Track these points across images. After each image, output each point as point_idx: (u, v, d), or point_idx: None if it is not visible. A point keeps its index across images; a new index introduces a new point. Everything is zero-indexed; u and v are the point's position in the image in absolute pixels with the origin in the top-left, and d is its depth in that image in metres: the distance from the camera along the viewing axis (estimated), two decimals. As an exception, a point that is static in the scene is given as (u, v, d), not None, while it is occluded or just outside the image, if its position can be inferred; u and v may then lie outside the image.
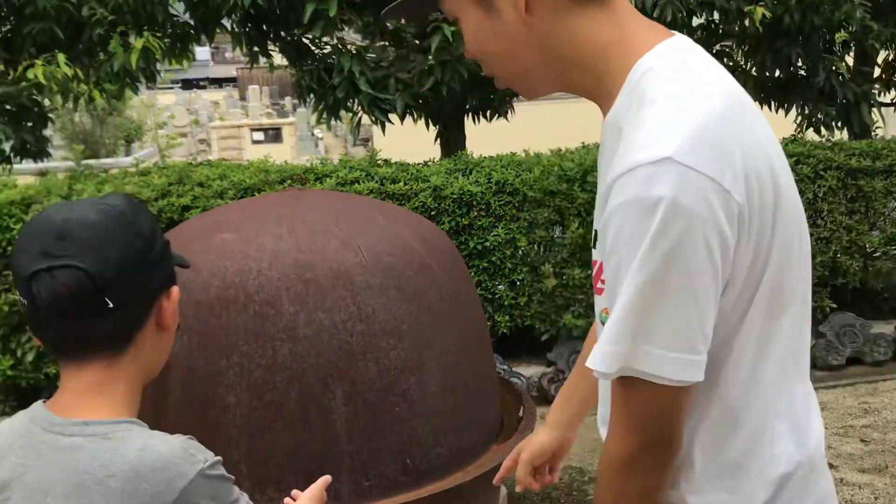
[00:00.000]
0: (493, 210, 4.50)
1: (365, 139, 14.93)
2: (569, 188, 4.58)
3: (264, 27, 5.66)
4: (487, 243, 4.48)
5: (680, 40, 1.07)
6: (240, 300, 2.29)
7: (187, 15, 5.58)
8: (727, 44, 6.19)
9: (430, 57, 5.13)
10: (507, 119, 6.23)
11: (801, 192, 4.90)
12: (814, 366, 4.38)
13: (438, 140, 6.04)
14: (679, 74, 1.01)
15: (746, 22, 5.56)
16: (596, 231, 1.09)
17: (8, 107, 5.03)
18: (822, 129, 5.98)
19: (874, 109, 6.01)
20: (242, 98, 23.64)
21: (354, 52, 5.29)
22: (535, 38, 1.06)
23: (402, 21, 5.79)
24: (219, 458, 1.14)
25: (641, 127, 0.96)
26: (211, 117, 21.37)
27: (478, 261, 4.50)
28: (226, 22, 5.59)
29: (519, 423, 2.67)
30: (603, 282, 1.06)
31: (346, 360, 2.28)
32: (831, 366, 4.77)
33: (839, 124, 5.99)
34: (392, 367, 2.32)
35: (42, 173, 4.97)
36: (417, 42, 5.54)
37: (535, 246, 4.61)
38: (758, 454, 1.06)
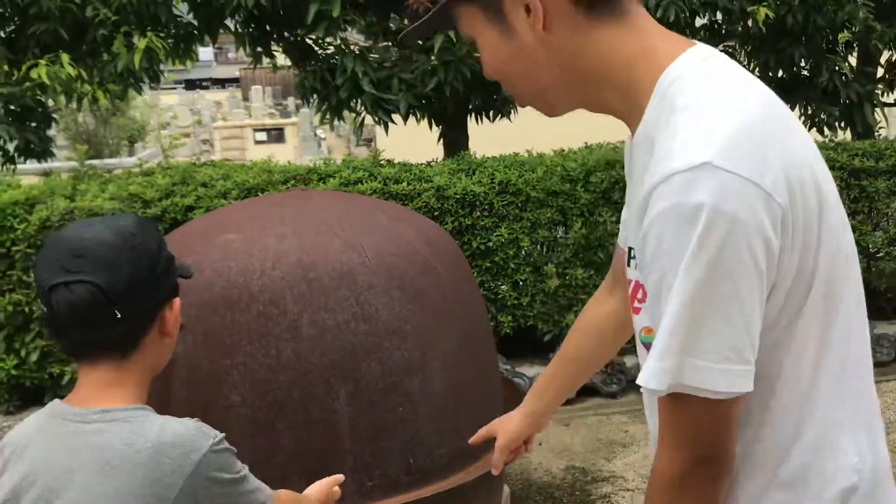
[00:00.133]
0: (496, 210, 4.50)
1: (368, 139, 14.93)
2: (572, 188, 4.59)
3: (267, 27, 5.67)
4: (490, 243, 4.48)
5: (703, 48, 1.05)
6: (243, 300, 2.29)
7: (191, 15, 5.59)
8: (730, 44, 6.18)
9: (433, 57, 5.13)
10: (509, 119, 6.24)
11: (805, 193, 4.92)
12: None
13: (441, 140, 6.04)
14: (709, 80, 0.99)
15: (749, 22, 5.56)
16: (631, 248, 1.07)
17: (12, 107, 5.04)
18: (826, 130, 5.98)
19: (877, 110, 6.00)
20: (245, 98, 23.66)
21: (358, 52, 5.29)
22: (554, 57, 1.04)
23: (406, 21, 5.79)
24: (224, 434, 1.29)
25: (675, 134, 0.94)
26: (214, 118, 21.39)
27: (481, 261, 4.50)
28: (229, 22, 5.60)
29: (522, 423, 2.67)
30: (640, 300, 1.04)
31: (350, 360, 2.28)
32: (834, 366, 4.77)
33: (842, 124, 5.98)
34: (395, 367, 2.33)
35: (46, 173, 4.98)
36: (420, 42, 5.54)
37: (538, 246, 4.62)
38: (819, 467, 1.02)
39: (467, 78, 5.09)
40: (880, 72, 6.40)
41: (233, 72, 28.75)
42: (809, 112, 6.06)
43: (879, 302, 5.38)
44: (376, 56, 5.48)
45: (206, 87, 29.20)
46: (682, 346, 0.92)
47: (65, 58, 4.75)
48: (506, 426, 1.62)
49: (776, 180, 0.92)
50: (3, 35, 5.35)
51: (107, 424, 1.25)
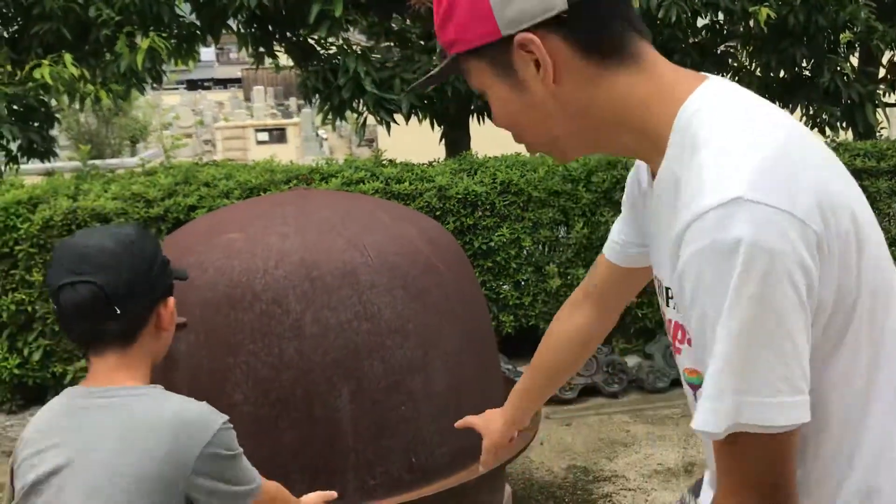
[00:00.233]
0: (497, 210, 4.51)
1: (370, 140, 14.94)
2: (573, 188, 4.60)
3: (270, 28, 5.68)
4: (492, 243, 4.49)
5: (717, 81, 1.04)
6: (246, 299, 2.30)
7: (193, 15, 5.60)
8: (732, 44, 6.19)
9: (434, 57, 5.14)
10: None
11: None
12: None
13: (443, 140, 6.05)
14: (729, 112, 0.98)
15: (751, 22, 5.56)
16: (668, 289, 1.06)
17: (15, 107, 5.05)
18: (827, 130, 5.98)
19: (879, 110, 6.00)
20: (247, 99, 23.67)
21: (360, 52, 5.30)
22: (566, 108, 1.03)
23: (408, 22, 5.80)
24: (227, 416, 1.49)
25: (702, 170, 0.93)
26: (216, 118, 21.40)
27: (482, 261, 4.51)
28: (231, 22, 5.61)
29: (523, 421, 2.68)
30: (680, 341, 1.03)
31: (352, 359, 2.29)
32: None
33: (844, 125, 5.99)
34: (398, 366, 2.33)
35: (48, 173, 4.99)
36: (422, 43, 5.55)
37: (540, 246, 4.63)
38: (880, 487, 1.00)
39: (469, 78, 5.09)
40: (882, 72, 6.40)
41: (235, 72, 28.77)
42: (811, 112, 6.06)
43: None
44: (378, 56, 5.49)
45: (208, 88, 29.22)
46: (735, 384, 0.90)
47: (68, 58, 4.76)
48: (491, 428, 1.69)
49: (809, 207, 0.91)
50: (6, 35, 5.36)
51: (129, 398, 1.44)
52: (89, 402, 1.45)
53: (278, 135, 18.04)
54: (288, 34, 5.74)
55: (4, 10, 5.29)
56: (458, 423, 1.78)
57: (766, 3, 5.21)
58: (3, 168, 5.41)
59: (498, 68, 1.03)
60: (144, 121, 17.48)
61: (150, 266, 1.49)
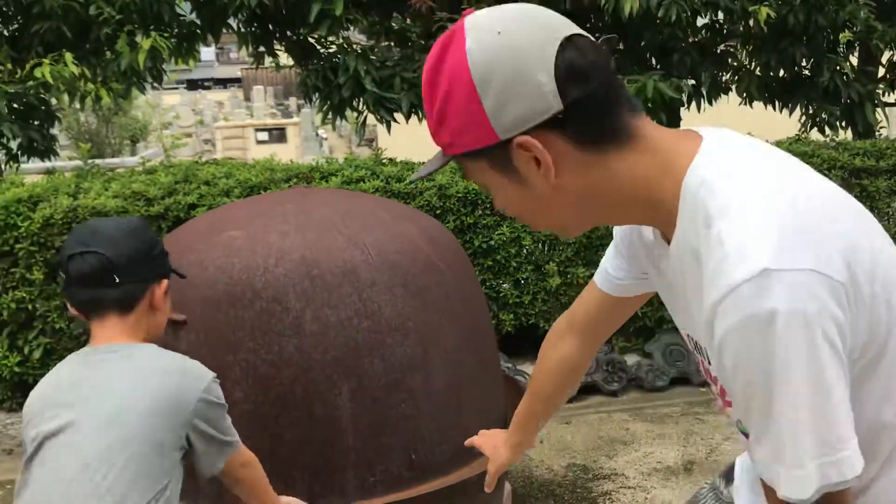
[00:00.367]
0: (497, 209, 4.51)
1: (370, 139, 14.94)
2: (573, 187, 4.60)
3: (270, 27, 5.69)
4: (492, 242, 4.49)
5: (712, 139, 1.04)
6: (246, 297, 2.30)
7: (193, 14, 5.60)
8: (731, 44, 6.19)
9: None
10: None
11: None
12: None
13: (443, 139, 6.05)
14: (736, 177, 0.98)
15: (751, 22, 5.56)
16: (705, 348, 1.06)
17: (15, 105, 5.05)
18: (827, 129, 5.98)
19: (878, 109, 6.01)
20: (247, 98, 23.66)
21: (360, 51, 5.31)
22: (569, 197, 1.03)
23: (408, 21, 5.80)
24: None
25: (722, 245, 0.93)
26: (216, 117, 21.39)
27: (482, 259, 4.51)
28: (232, 21, 5.61)
29: (523, 419, 2.68)
30: (726, 396, 1.05)
31: (352, 357, 2.29)
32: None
33: (843, 124, 5.99)
34: (398, 363, 2.34)
35: (49, 172, 4.99)
36: (423, 42, 5.55)
37: (540, 244, 4.63)
38: None
39: (469, 77, 5.09)
40: (881, 71, 6.41)
41: (234, 72, 28.76)
42: (811, 111, 6.06)
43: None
44: (378, 55, 5.50)
45: (208, 87, 29.21)
46: (810, 450, 0.93)
47: (68, 56, 4.76)
48: (496, 454, 1.74)
49: (831, 259, 0.92)
50: (6, 33, 5.36)
51: (135, 350, 1.66)
52: (95, 357, 1.65)
53: (278, 134, 18.03)
54: (288, 33, 5.74)
55: (4, 9, 5.29)
56: (467, 442, 1.84)
57: (766, 3, 5.22)
58: (3, 166, 5.42)
59: (497, 167, 1.02)
60: (144, 120, 17.49)
61: (149, 249, 1.72)
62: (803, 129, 6.05)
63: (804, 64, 5.97)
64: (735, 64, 6.20)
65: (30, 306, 4.23)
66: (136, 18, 5.12)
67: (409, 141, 6.33)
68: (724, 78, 6.11)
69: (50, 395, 1.65)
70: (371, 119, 5.54)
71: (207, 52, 22.77)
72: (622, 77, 5.68)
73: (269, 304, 2.29)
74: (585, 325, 1.49)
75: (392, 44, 5.87)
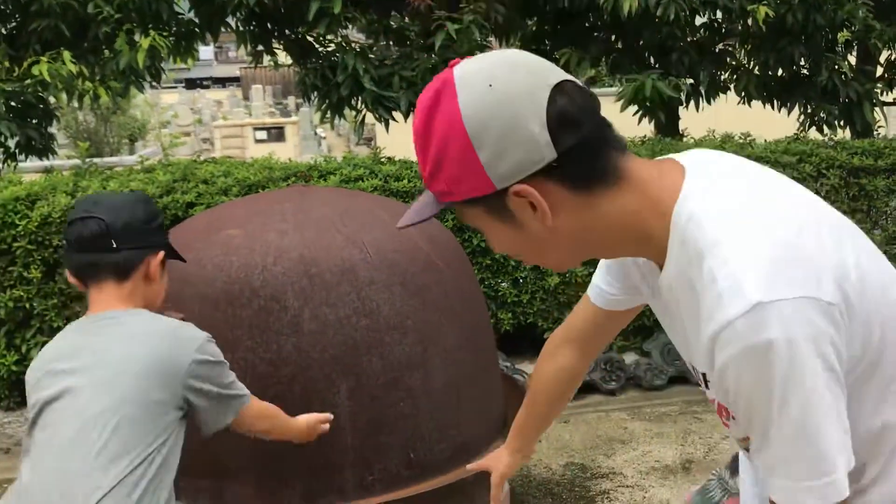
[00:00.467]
0: (496, 208, 4.51)
1: (368, 138, 14.93)
2: (572, 186, 4.59)
3: (269, 25, 5.68)
4: (490, 241, 4.48)
5: (696, 168, 1.07)
6: (245, 295, 2.30)
7: (192, 13, 5.60)
8: (730, 43, 6.19)
9: (433, 55, 5.14)
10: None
11: (804, 191, 4.93)
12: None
13: (441, 138, 6.05)
14: (720, 210, 1.01)
15: (749, 21, 5.57)
16: (704, 374, 1.10)
17: (13, 103, 5.05)
18: (825, 128, 5.99)
19: (876, 108, 6.01)
20: (246, 97, 23.63)
21: (358, 49, 5.30)
22: (563, 237, 1.06)
23: (407, 19, 5.80)
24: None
25: (714, 282, 0.97)
26: (214, 116, 21.37)
27: (481, 258, 4.51)
28: (230, 20, 5.61)
29: (522, 418, 2.68)
30: (727, 417, 1.09)
31: (351, 355, 2.29)
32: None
33: (841, 123, 5.99)
34: (396, 362, 2.34)
35: (47, 170, 4.98)
36: (421, 40, 5.55)
37: (538, 244, 4.62)
38: None
39: (468, 76, 5.09)
40: (879, 70, 6.41)
41: (233, 71, 28.73)
42: (809, 111, 6.07)
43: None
44: (377, 53, 5.49)
45: (207, 86, 29.18)
46: (811, 471, 0.98)
47: (66, 55, 4.75)
48: (499, 464, 1.75)
49: (822, 281, 0.96)
50: (4, 31, 5.35)
51: (128, 317, 1.72)
52: (92, 325, 1.72)
53: (276, 133, 18.02)
54: (287, 31, 5.74)
55: (2, 6, 5.28)
56: (471, 466, 1.84)
57: (765, 2, 5.22)
58: (1, 165, 5.41)
59: (493, 213, 1.05)
60: (143, 119, 17.48)
61: (147, 220, 1.78)
62: (802, 128, 6.05)
63: (803, 63, 5.98)
64: (733, 63, 6.20)
65: (27, 305, 4.23)
66: (135, 17, 5.12)
67: (408, 140, 6.30)
68: (722, 77, 6.12)
69: (50, 363, 1.69)
70: (369, 118, 5.54)
71: (206, 51, 22.76)
72: (620, 76, 5.68)
73: (268, 303, 2.29)
74: (581, 337, 1.52)
75: (391, 42, 5.86)
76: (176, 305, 2.10)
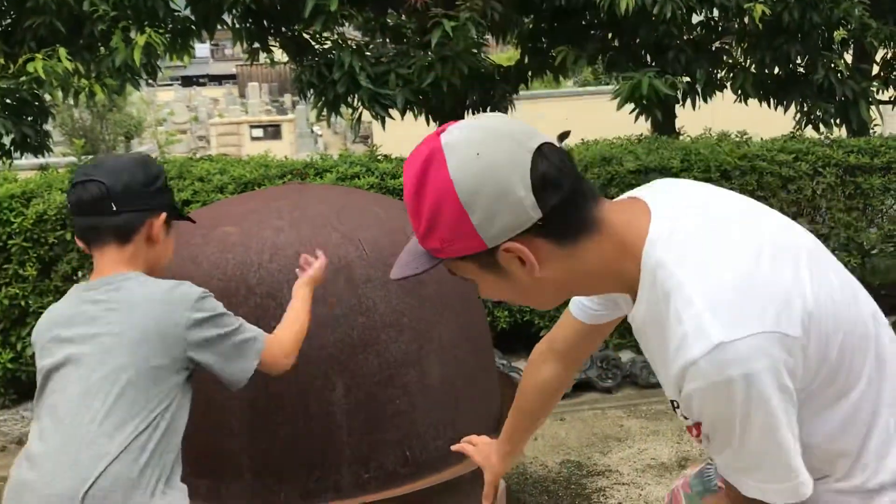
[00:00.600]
0: (492, 206, 4.50)
1: (364, 136, 14.92)
2: (568, 184, 4.59)
3: (265, 22, 5.67)
4: (487, 239, 4.48)
5: (658, 207, 1.15)
6: (241, 292, 2.30)
7: (188, 10, 5.58)
8: (727, 41, 6.20)
9: (430, 53, 5.13)
10: (506, 115, 6.23)
11: (799, 189, 4.94)
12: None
13: (438, 136, 6.04)
14: (684, 253, 1.10)
15: (746, 19, 5.57)
16: (673, 401, 1.18)
17: (8, 100, 5.03)
18: (821, 127, 5.99)
19: (872, 107, 6.02)
20: (242, 95, 23.60)
21: (355, 47, 5.30)
22: (549, 285, 1.16)
23: (403, 17, 5.79)
24: (209, 292, 1.79)
25: (679, 324, 1.07)
26: (210, 114, 21.33)
27: (477, 256, 4.51)
28: (226, 17, 5.60)
29: (518, 416, 2.68)
30: (699, 437, 1.17)
31: (347, 353, 2.29)
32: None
33: (838, 121, 6.00)
34: (392, 359, 2.34)
35: (42, 168, 4.97)
36: (418, 38, 5.55)
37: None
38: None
39: (464, 73, 5.10)
40: (875, 69, 6.42)
41: (229, 68, 28.69)
42: (805, 109, 6.07)
43: (874, 298, 5.39)
44: (373, 51, 5.49)
45: (203, 84, 29.14)
46: (774, 477, 1.10)
47: (62, 52, 4.74)
48: (489, 465, 1.81)
49: (779, 316, 1.05)
50: (-1, 28, 5.34)
51: (126, 282, 1.73)
52: (89, 293, 1.74)
53: (273, 131, 18.00)
54: (283, 29, 5.73)
55: (-2, 4, 5.27)
56: (455, 447, 1.90)
57: (761, 0, 5.22)
58: (-4, 162, 5.40)
59: (484, 267, 1.14)
60: (139, 117, 17.44)
61: (148, 182, 1.78)
62: (798, 127, 6.06)
63: (799, 61, 5.98)
64: (730, 61, 6.20)
65: (23, 302, 4.22)
66: (131, 14, 5.11)
67: (405, 137, 6.32)
68: (719, 75, 6.12)
69: (54, 328, 1.74)
70: (366, 115, 5.53)
71: (202, 49, 22.72)
72: (617, 74, 5.68)
73: (264, 300, 2.29)
74: (564, 350, 1.60)
75: (387, 40, 5.86)
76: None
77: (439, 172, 1.08)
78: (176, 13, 5.51)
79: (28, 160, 6.02)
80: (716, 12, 5.82)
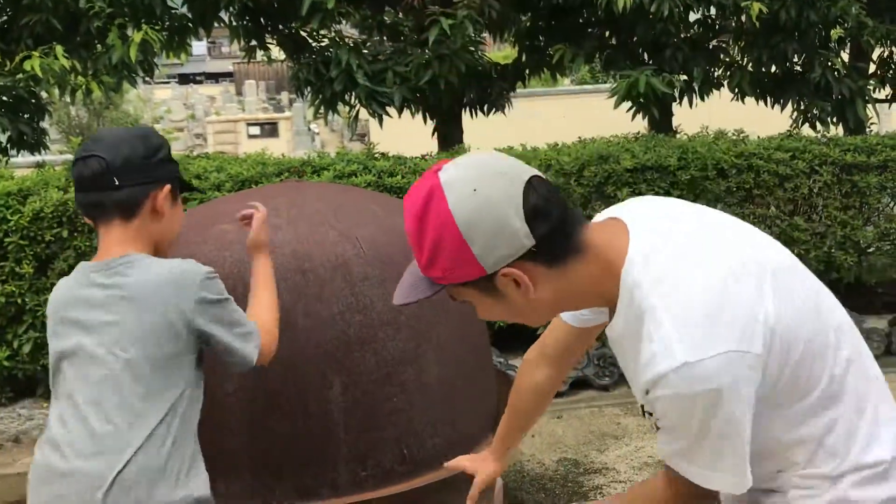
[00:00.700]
0: (489, 204, 4.50)
1: (361, 134, 14.91)
2: (566, 182, 4.60)
3: (262, 20, 5.67)
4: (484, 237, 4.48)
5: (636, 228, 1.25)
6: (238, 290, 2.28)
7: (185, 7, 5.57)
8: (724, 39, 6.20)
9: (427, 51, 5.13)
10: (504, 113, 6.24)
11: (796, 188, 4.94)
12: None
13: (435, 134, 6.04)
14: (657, 277, 1.20)
15: (743, 17, 5.58)
16: (643, 405, 1.29)
17: (4, 98, 5.02)
18: (818, 125, 6.00)
19: (869, 105, 6.03)
20: (239, 93, 23.57)
21: (352, 45, 5.29)
22: (542, 304, 1.26)
23: (400, 15, 5.79)
24: (214, 270, 1.78)
25: (651, 341, 1.18)
26: (207, 112, 21.30)
27: (474, 254, 4.51)
28: (223, 15, 5.59)
29: (515, 414, 2.69)
30: None
31: (344, 351, 2.29)
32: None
33: (834, 120, 6.01)
34: (390, 357, 2.33)
35: (39, 165, 4.96)
36: (415, 36, 5.54)
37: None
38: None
39: (461, 72, 5.10)
40: (872, 67, 6.43)
41: (226, 66, 28.65)
42: (802, 107, 6.08)
43: (870, 296, 5.41)
44: (371, 49, 5.48)
45: (200, 82, 29.09)
46: (704, 463, 1.24)
47: (59, 49, 4.73)
48: (482, 468, 1.89)
49: (743, 331, 1.16)
50: (-5, 25, 5.33)
51: (125, 268, 1.71)
52: (98, 276, 1.72)
53: (270, 129, 17.99)
54: (280, 27, 5.72)
55: (-6, 1, 5.26)
56: (449, 464, 1.98)
57: (758, -1, 5.23)
58: (-8, 160, 5.39)
59: (483, 291, 1.24)
60: (136, 114, 17.42)
61: (149, 154, 1.76)
62: (795, 125, 6.07)
63: (796, 60, 5.99)
64: (727, 59, 6.21)
65: (19, 300, 4.21)
66: (127, 11, 5.10)
67: (402, 135, 6.32)
68: (715, 73, 6.12)
69: (64, 308, 1.74)
70: (363, 113, 5.53)
71: (199, 46, 22.71)
72: (614, 72, 5.68)
73: (261, 298, 2.28)
74: (555, 354, 1.69)
75: (384, 38, 5.86)
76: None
77: (439, 207, 1.18)
78: (173, 10, 5.50)
79: (25, 158, 6.01)
80: (713, 10, 5.82)
